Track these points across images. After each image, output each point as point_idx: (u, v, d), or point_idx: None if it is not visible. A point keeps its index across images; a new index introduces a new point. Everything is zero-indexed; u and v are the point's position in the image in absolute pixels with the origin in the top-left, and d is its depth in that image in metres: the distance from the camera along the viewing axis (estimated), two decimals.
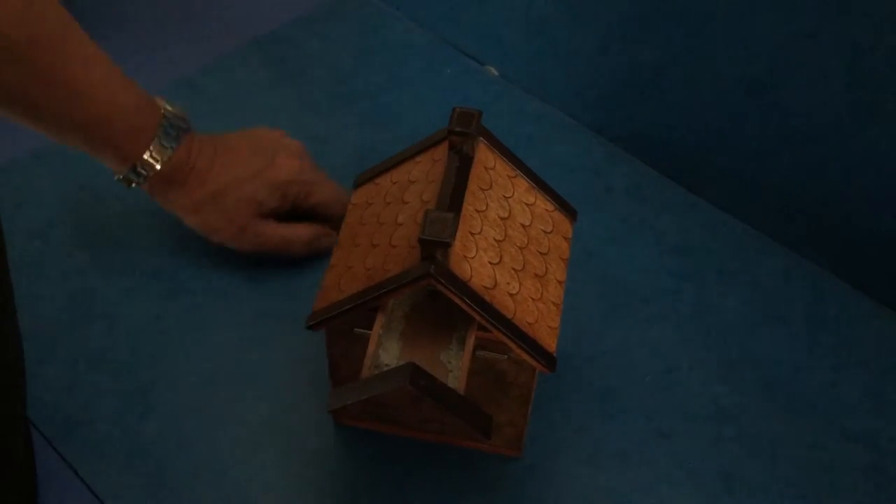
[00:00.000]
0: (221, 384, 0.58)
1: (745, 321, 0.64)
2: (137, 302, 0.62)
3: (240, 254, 0.62)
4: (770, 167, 0.68)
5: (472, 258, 0.45)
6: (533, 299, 0.47)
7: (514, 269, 0.47)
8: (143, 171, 0.57)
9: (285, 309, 0.61)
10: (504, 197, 0.50)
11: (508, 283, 0.47)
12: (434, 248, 0.43)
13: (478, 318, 0.45)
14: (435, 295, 0.46)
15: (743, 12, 0.64)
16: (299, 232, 0.62)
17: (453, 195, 0.46)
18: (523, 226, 0.50)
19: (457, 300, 0.44)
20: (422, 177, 0.50)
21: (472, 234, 0.46)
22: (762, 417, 0.59)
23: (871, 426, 0.59)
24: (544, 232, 0.51)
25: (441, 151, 0.50)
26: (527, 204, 0.51)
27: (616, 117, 0.76)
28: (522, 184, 0.52)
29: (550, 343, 0.47)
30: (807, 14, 0.61)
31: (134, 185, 0.58)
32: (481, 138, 0.50)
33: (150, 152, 0.56)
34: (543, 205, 0.52)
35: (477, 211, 0.47)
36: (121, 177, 0.58)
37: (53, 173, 0.70)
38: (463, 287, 0.44)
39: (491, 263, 0.46)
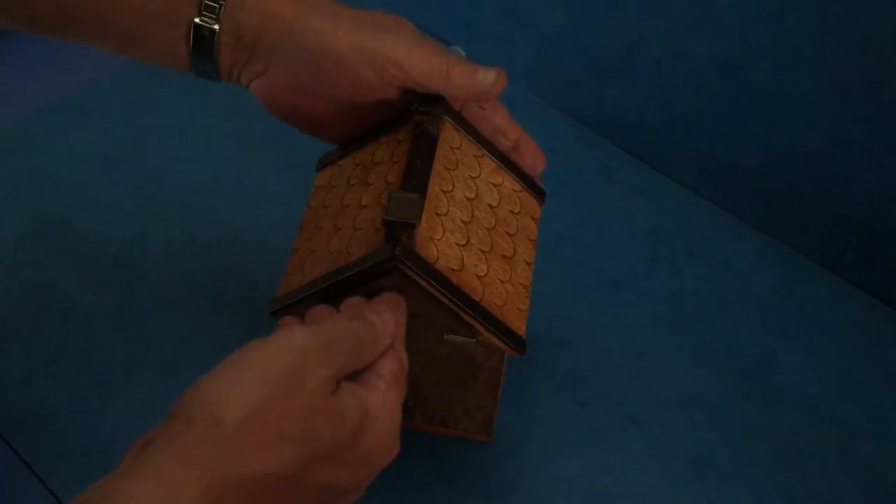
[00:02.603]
0: (183, 376, 0.56)
1: (716, 304, 0.64)
2: (95, 293, 0.61)
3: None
4: (741, 149, 0.67)
5: (439, 240, 0.44)
6: (501, 281, 0.46)
7: (481, 250, 0.46)
8: None
9: (247, 297, 0.60)
10: (471, 177, 0.49)
11: (476, 265, 0.45)
12: (399, 229, 0.42)
13: (445, 301, 0.44)
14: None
15: None
16: None
17: (418, 176, 0.45)
18: (490, 206, 0.49)
19: (423, 283, 0.43)
20: (386, 158, 0.48)
21: (438, 215, 0.45)
22: (733, 401, 0.58)
23: (842, 408, 0.59)
24: (512, 213, 0.50)
25: (405, 132, 0.48)
26: (494, 184, 0.50)
27: (586, 99, 0.75)
28: (489, 164, 0.50)
29: (520, 326, 0.46)
30: None
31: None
32: (447, 117, 0.49)
33: None
34: (511, 185, 0.51)
35: (443, 191, 0.46)
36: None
37: (3, 160, 0.68)
38: (429, 269, 0.43)
39: (458, 245, 0.45)
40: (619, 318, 0.62)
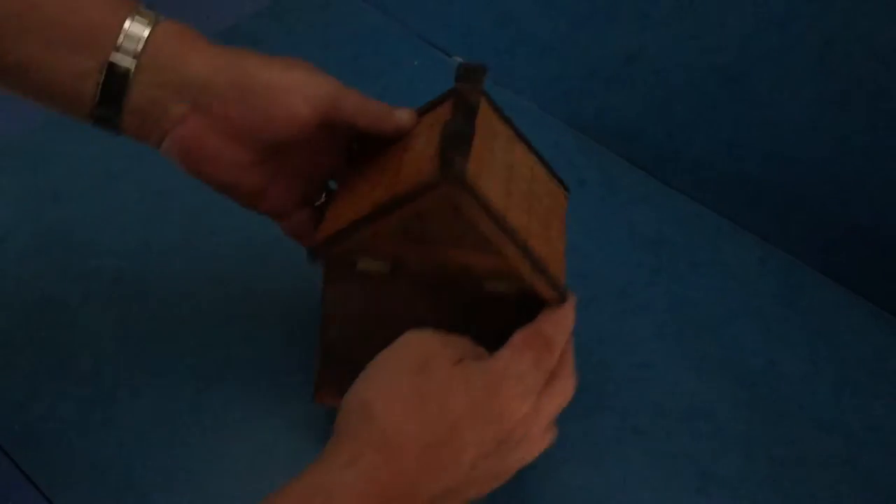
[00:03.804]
0: (186, 390, 0.57)
1: (719, 313, 0.63)
2: (98, 307, 0.61)
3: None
4: (743, 158, 0.67)
5: (484, 182, 0.43)
6: (540, 240, 0.45)
7: (521, 207, 0.45)
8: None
9: (252, 310, 0.60)
10: (507, 150, 0.48)
11: (518, 217, 0.44)
12: (454, 152, 0.41)
13: (494, 235, 0.42)
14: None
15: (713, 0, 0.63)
16: None
17: (462, 127, 0.44)
18: (526, 179, 0.48)
19: (473, 207, 0.41)
20: (425, 129, 0.48)
21: (481, 162, 0.44)
22: (737, 412, 0.58)
23: (846, 418, 0.58)
24: (545, 193, 0.49)
25: (444, 109, 0.48)
26: (527, 165, 0.49)
27: (587, 108, 0.75)
28: (522, 147, 0.50)
29: (560, 276, 0.45)
30: (777, 2, 0.60)
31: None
32: (485, 98, 0.48)
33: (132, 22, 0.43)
34: (541, 171, 0.51)
35: (487, 150, 0.45)
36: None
37: (8, 175, 0.68)
38: (480, 200, 0.41)
39: (501, 194, 0.44)
40: (621, 328, 0.62)
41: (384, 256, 0.45)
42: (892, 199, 0.62)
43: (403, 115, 0.48)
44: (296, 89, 0.44)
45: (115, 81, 0.43)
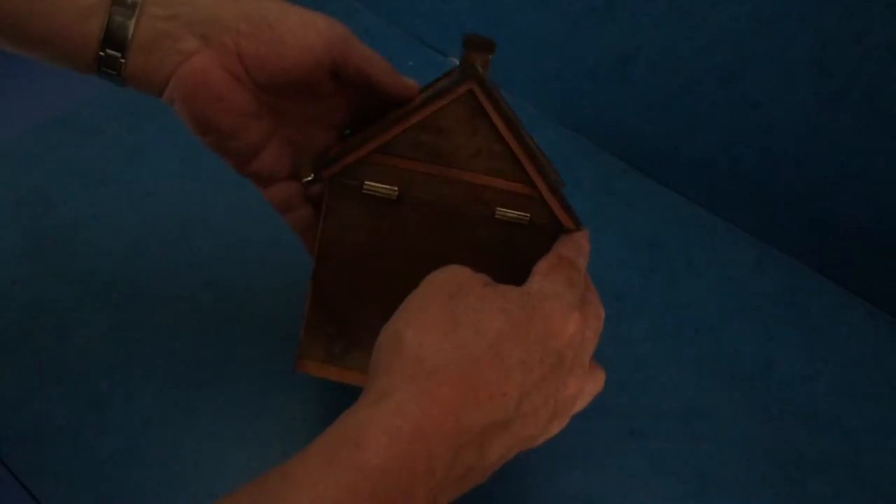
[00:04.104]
0: (181, 394, 0.56)
1: (717, 314, 0.63)
2: (91, 311, 0.60)
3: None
4: (739, 158, 0.67)
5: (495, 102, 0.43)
6: (550, 176, 0.45)
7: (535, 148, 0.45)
8: None
9: (246, 313, 0.60)
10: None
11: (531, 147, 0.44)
12: (477, 54, 0.40)
13: (515, 146, 0.41)
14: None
15: (709, 0, 0.63)
16: None
17: (483, 37, 0.43)
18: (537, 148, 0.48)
19: (496, 119, 0.40)
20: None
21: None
22: (734, 413, 0.58)
23: (844, 419, 0.58)
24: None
25: (443, 81, 0.47)
26: None
27: (583, 109, 0.74)
28: (527, 133, 0.50)
29: (573, 210, 0.44)
30: (773, 2, 0.60)
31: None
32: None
33: None
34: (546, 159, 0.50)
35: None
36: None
37: (0, 177, 0.68)
38: (504, 106, 0.41)
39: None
40: (618, 329, 0.62)
41: (392, 179, 0.43)
42: (888, 198, 0.62)
43: (408, 80, 0.47)
44: (310, 24, 0.44)
45: (122, 16, 0.42)
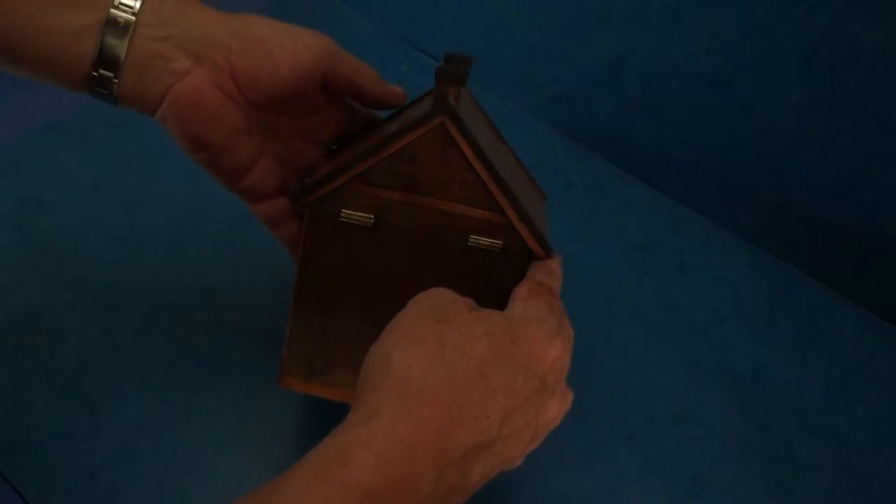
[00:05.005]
0: (174, 400, 0.56)
1: (709, 317, 0.64)
2: (84, 316, 0.60)
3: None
4: (731, 161, 0.67)
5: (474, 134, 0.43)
6: (524, 199, 0.45)
7: (504, 169, 0.45)
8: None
9: (239, 318, 0.60)
10: (490, 144, 0.48)
11: (504, 171, 0.44)
12: (449, 86, 0.41)
13: (485, 177, 0.42)
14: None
15: (700, 5, 0.63)
16: None
17: (457, 69, 0.44)
18: (512, 168, 0.48)
19: (463, 144, 0.41)
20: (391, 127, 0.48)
21: (470, 123, 0.44)
22: (727, 416, 0.58)
23: (836, 421, 0.58)
24: (529, 189, 0.49)
25: (425, 101, 0.48)
26: (510, 163, 0.49)
27: (576, 113, 0.75)
28: (505, 149, 0.50)
29: (544, 238, 0.45)
30: (762, 6, 0.60)
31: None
32: (468, 95, 0.49)
33: None
34: (522, 174, 0.51)
35: (472, 120, 0.46)
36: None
37: None
38: (470, 134, 0.41)
39: (487, 149, 0.44)
40: (611, 333, 0.62)
41: (369, 206, 0.44)
42: (880, 202, 0.62)
43: (396, 88, 0.48)
44: (299, 39, 0.45)
45: (115, 38, 0.42)
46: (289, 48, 0.44)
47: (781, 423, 0.58)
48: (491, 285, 0.45)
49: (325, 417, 0.52)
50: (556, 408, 0.41)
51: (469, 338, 0.38)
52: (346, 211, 0.45)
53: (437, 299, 0.41)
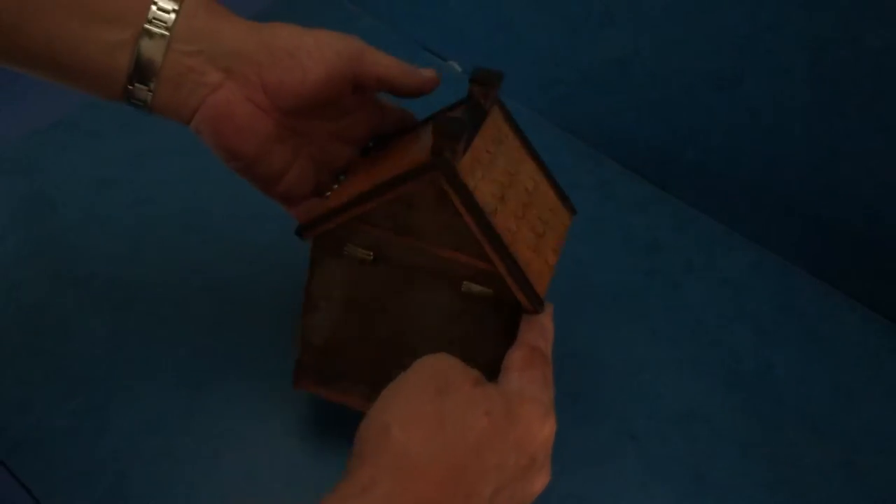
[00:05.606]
0: (180, 397, 0.57)
1: (715, 318, 0.64)
2: (91, 313, 0.60)
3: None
4: (738, 162, 0.67)
5: (477, 179, 0.44)
6: (528, 247, 0.45)
7: (514, 213, 0.46)
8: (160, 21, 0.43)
9: (246, 316, 0.60)
10: (512, 159, 0.48)
11: (507, 220, 0.45)
12: (445, 142, 0.41)
13: (475, 230, 0.43)
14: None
15: (707, 6, 0.63)
16: None
17: (457, 120, 0.44)
18: (527, 190, 0.48)
19: (455, 199, 0.42)
20: (424, 137, 0.48)
21: (479, 161, 0.44)
22: (732, 416, 0.58)
23: (841, 421, 0.58)
24: (546, 208, 0.49)
25: (456, 112, 0.49)
26: (532, 178, 0.50)
27: (583, 113, 0.75)
28: (530, 162, 0.50)
29: (541, 286, 0.45)
30: (770, 6, 0.60)
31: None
32: (498, 106, 0.49)
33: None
34: (546, 189, 0.51)
35: (487, 151, 0.46)
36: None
37: (1, 181, 0.68)
38: (463, 189, 0.42)
39: (493, 195, 0.45)
40: (617, 333, 0.62)
41: (369, 244, 0.45)
42: (885, 202, 0.62)
43: (427, 73, 0.48)
44: (325, 45, 0.45)
45: (149, 53, 0.43)
46: (317, 56, 0.45)
47: (786, 423, 0.58)
48: (484, 330, 0.46)
49: (331, 414, 0.52)
50: (541, 482, 0.41)
51: (469, 416, 0.38)
52: (349, 246, 0.46)
53: (441, 368, 0.41)
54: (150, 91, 0.44)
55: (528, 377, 0.41)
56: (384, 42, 0.82)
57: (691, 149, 0.69)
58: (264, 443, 0.55)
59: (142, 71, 0.43)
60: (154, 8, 0.43)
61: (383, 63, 0.47)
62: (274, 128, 0.47)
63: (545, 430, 0.40)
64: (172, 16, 0.43)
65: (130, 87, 0.44)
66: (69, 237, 0.65)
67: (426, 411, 0.38)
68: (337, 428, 0.53)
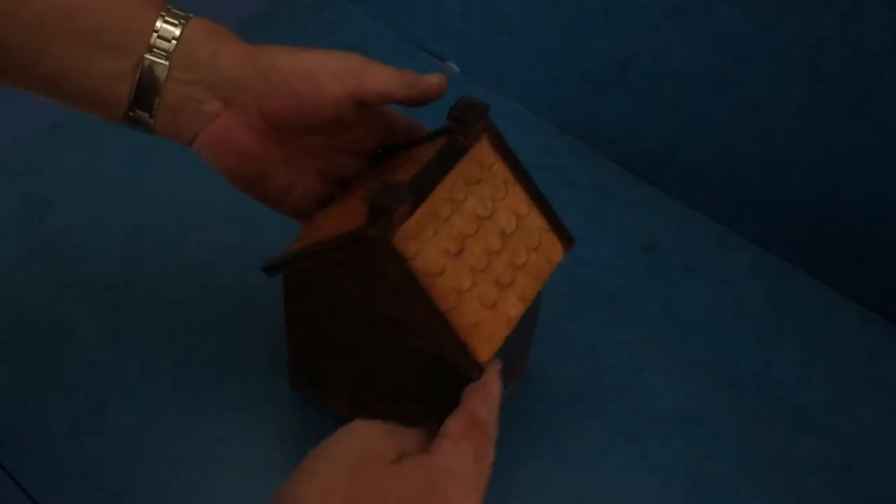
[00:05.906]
0: (178, 397, 0.57)
1: (713, 318, 0.64)
2: (90, 314, 0.60)
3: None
4: (735, 162, 0.67)
5: (425, 240, 0.44)
6: (483, 304, 0.45)
7: (473, 267, 0.45)
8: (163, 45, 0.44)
9: (244, 317, 0.60)
10: (491, 198, 0.47)
11: (459, 278, 0.44)
12: (377, 211, 0.41)
13: (409, 298, 0.43)
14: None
15: (706, 6, 0.63)
16: None
17: (428, 175, 0.45)
18: (503, 232, 0.47)
19: (392, 271, 0.42)
20: (417, 157, 0.48)
21: (435, 217, 0.44)
22: (731, 416, 0.58)
23: (840, 422, 0.58)
24: (527, 246, 0.48)
25: (444, 139, 0.48)
26: (517, 214, 0.48)
27: (580, 113, 0.75)
28: (519, 194, 0.49)
29: (483, 352, 0.44)
30: (767, 7, 0.60)
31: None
32: (487, 136, 0.48)
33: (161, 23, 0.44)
34: (536, 221, 0.49)
35: (451, 199, 0.45)
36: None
37: (2, 181, 0.68)
38: (398, 262, 0.42)
39: (446, 252, 0.44)
40: (614, 333, 0.62)
41: (328, 290, 0.46)
42: (883, 202, 0.62)
43: (433, 79, 0.48)
44: (322, 69, 0.45)
45: (150, 81, 0.44)
46: (312, 82, 0.45)
47: (785, 424, 0.58)
48: (430, 384, 0.46)
49: (332, 417, 0.52)
50: None
51: (384, 496, 0.37)
52: (311, 288, 0.47)
53: (360, 441, 0.39)
54: (151, 117, 0.45)
55: (459, 450, 0.40)
56: (382, 42, 0.82)
57: (690, 149, 0.69)
58: (264, 444, 0.55)
59: (142, 99, 0.44)
60: (155, 36, 0.44)
61: (383, 78, 0.46)
62: (276, 151, 0.47)
63: None
64: (174, 43, 0.44)
65: (132, 113, 0.45)
66: (67, 238, 0.65)
67: (336, 491, 0.37)
68: (336, 429, 0.53)
